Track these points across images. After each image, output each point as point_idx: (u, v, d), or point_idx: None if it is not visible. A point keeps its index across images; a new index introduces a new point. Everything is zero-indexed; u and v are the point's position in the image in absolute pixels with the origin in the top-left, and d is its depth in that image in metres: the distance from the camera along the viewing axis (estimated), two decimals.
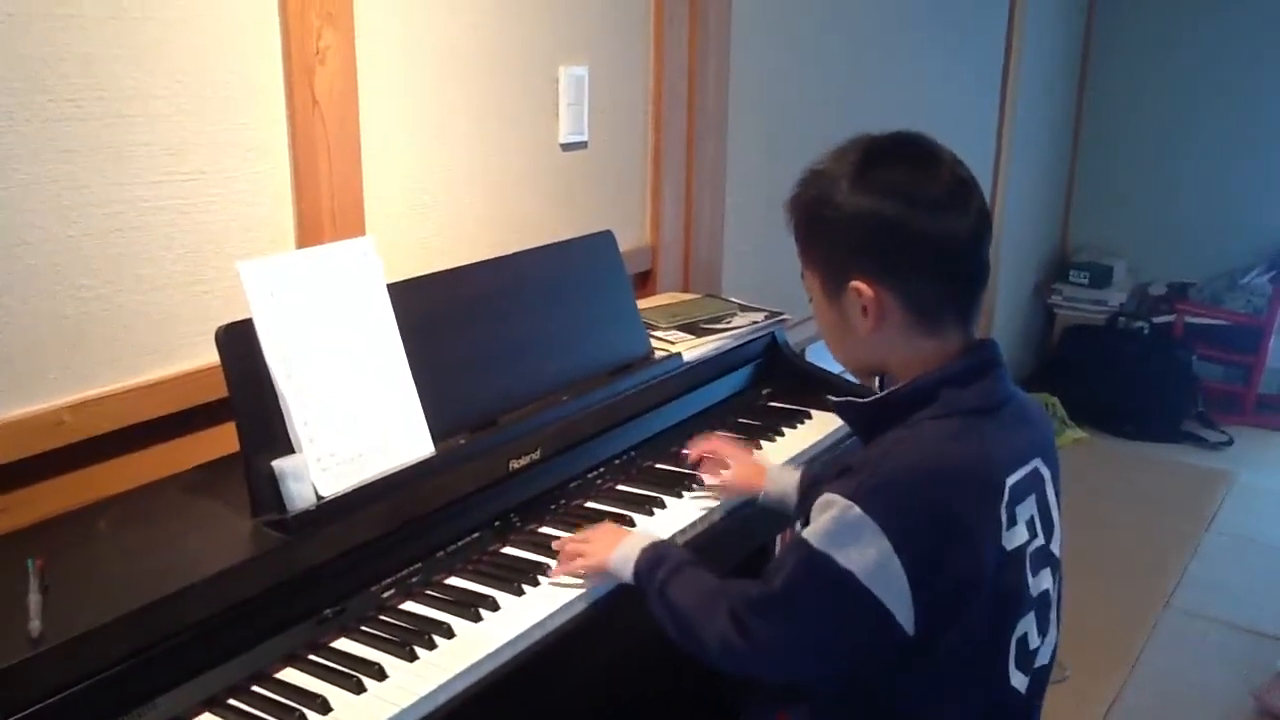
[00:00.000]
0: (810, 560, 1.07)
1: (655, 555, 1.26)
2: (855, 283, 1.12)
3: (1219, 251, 4.63)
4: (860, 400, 1.18)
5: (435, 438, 1.37)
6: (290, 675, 1.13)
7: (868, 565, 1.04)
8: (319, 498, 1.24)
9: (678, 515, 1.50)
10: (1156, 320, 4.54)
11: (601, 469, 1.60)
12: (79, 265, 1.29)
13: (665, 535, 1.44)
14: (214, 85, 1.39)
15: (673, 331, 1.89)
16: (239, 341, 1.23)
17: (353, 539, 1.24)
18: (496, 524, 1.42)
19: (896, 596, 1.04)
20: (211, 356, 1.25)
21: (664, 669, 1.64)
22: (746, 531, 1.58)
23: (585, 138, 2.03)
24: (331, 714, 1.07)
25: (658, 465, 1.66)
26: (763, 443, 1.76)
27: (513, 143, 1.88)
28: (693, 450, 1.61)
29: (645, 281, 2.25)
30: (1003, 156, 4.04)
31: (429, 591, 1.29)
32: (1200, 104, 4.61)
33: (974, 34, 3.78)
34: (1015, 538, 1.10)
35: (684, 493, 1.56)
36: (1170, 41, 4.64)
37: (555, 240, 1.76)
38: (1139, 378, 4.32)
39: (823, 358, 1.62)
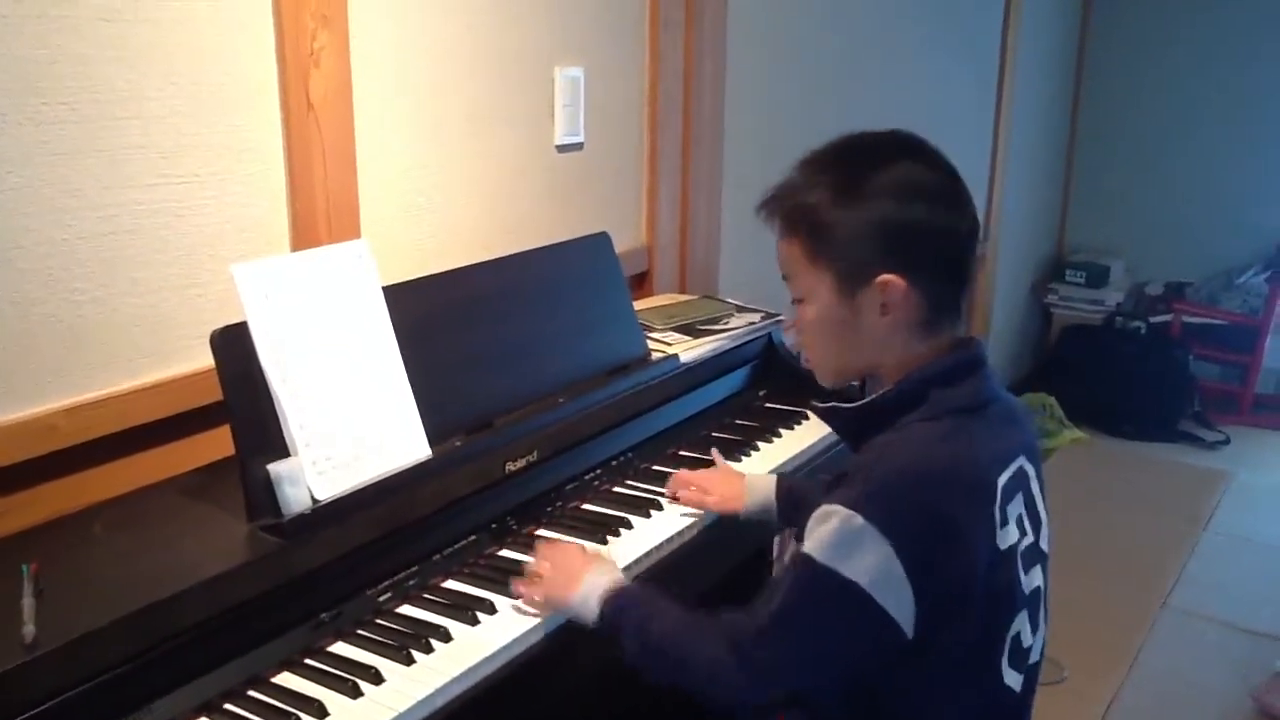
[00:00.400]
0: (814, 575, 1.07)
1: (627, 598, 1.21)
2: (884, 277, 1.11)
3: (1216, 251, 4.63)
4: (846, 405, 1.18)
5: (431, 440, 1.37)
6: (286, 679, 1.13)
7: (871, 573, 1.04)
8: (315, 501, 1.23)
9: (675, 517, 1.50)
10: (1153, 320, 4.54)
11: (598, 471, 1.59)
12: (73, 269, 1.29)
13: (665, 537, 1.44)
14: (208, 87, 1.39)
15: (669, 333, 1.89)
16: (234, 345, 1.22)
17: (349, 542, 1.24)
18: (493, 526, 1.42)
19: (899, 602, 1.04)
20: (206, 360, 1.25)
21: None
22: (743, 532, 1.57)
23: (581, 139, 2.03)
24: (328, 719, 1.07)
25: (655, 467, 1.65)
26: (760, 444, 1.76)
27: (508, 144, 1.87)
28: (670, 492, 1.54)
29: (641, 283, 2.24)
30: (999, 156, 4.04)
31: (425, 595, 1.29)
32: (1197, 103, 4.62)
33: (970, 33, 3.78)
34: (1008, 537, 1.11)
35: None
36: (1167, 40, 4.64)
37: (551, 242, 1.76)
38: (1136, 377, 4.32)
39: None
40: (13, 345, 1.25)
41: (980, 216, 1.27)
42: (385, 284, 1.38)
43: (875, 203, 1.11)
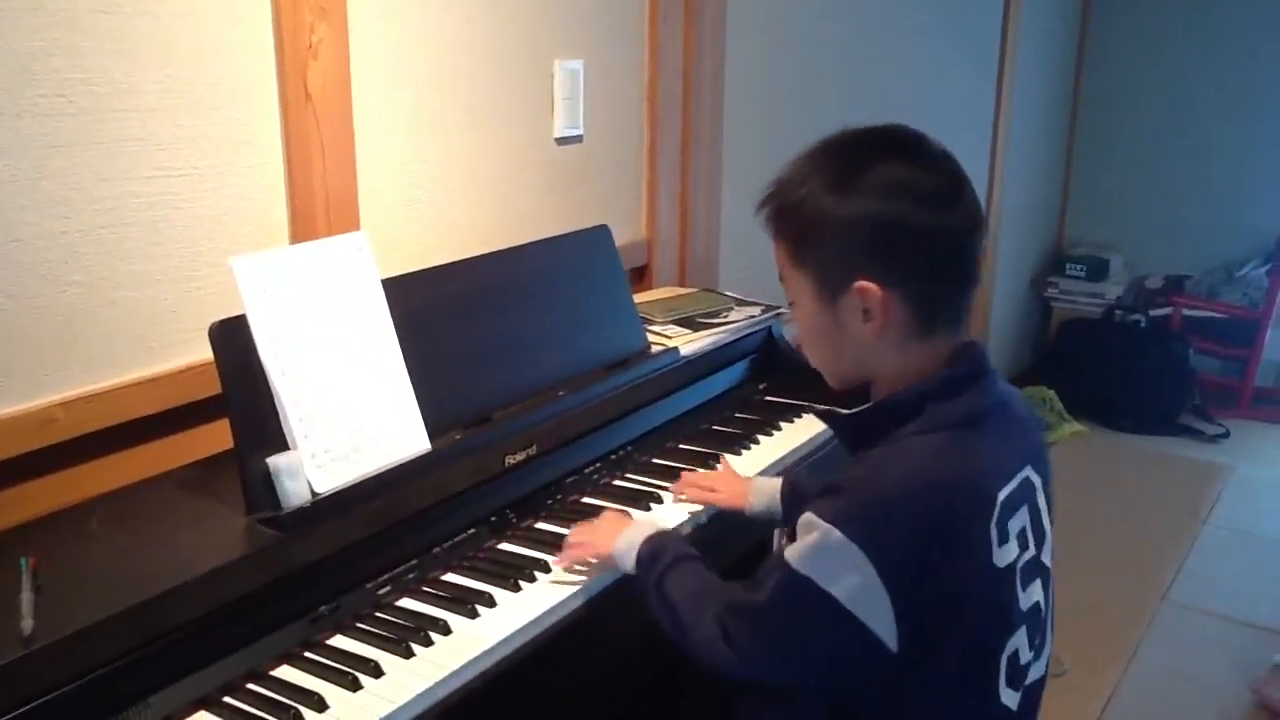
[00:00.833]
0: (792, 581, 1.05)
1: (657, 546, 1.25)
2: (860, 283, 1.07)
3: (1215, 244, 4.63)
4: (844, 413, 1.15)
5: (431, 433, 1.37)
6: (286, 673, 1.13)
7: (850, 589, 1.02)
8: (314, 494, 1.23)
9: (675, 510, 1.50)
10: (1153, 313, 4.54)
11: (598, 464, 1.59)
12: (71, 262, 1.29)
13: (678, 521, 1.44)
14: (206, 80, 1.39)
15: (669, 326, 1.88)
16: (233, 337, 1.22)
17: (348, 536, 1.24)
18: (493, 520, 1.41)
19: (879, 617, 1.02)
20: (205, 353, 1.24)
21: (660, 666, 1.64)
22: (743, 526, 1.57)
23: (581, 132, 2.03)
24: (328, 711, 1.06)
25: (655, 460, 1.65)
26: (760, 437, 1.75)
27: (508, 137, 1.87)
28: (676, 491, 1.54)
29: (641, 276, 2.24)
30: (999, 150, 4.04)
31: (425, 588, 1.28)
32: (1197, 96, 4.61)
33: (970, 28, 3.78)
34: (1006, 555, 1.07)
35: None
36: (1166, 34, 4.64)
37: (551, 235, 1.76)
38: (1136, 371, 4.32)
39: None
40: (10, 338, 1.25)
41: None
42: (384, 277, 1.38)
43: (856, 204, 1.06)
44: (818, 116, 2.76)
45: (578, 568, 1.32)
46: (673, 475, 1.58)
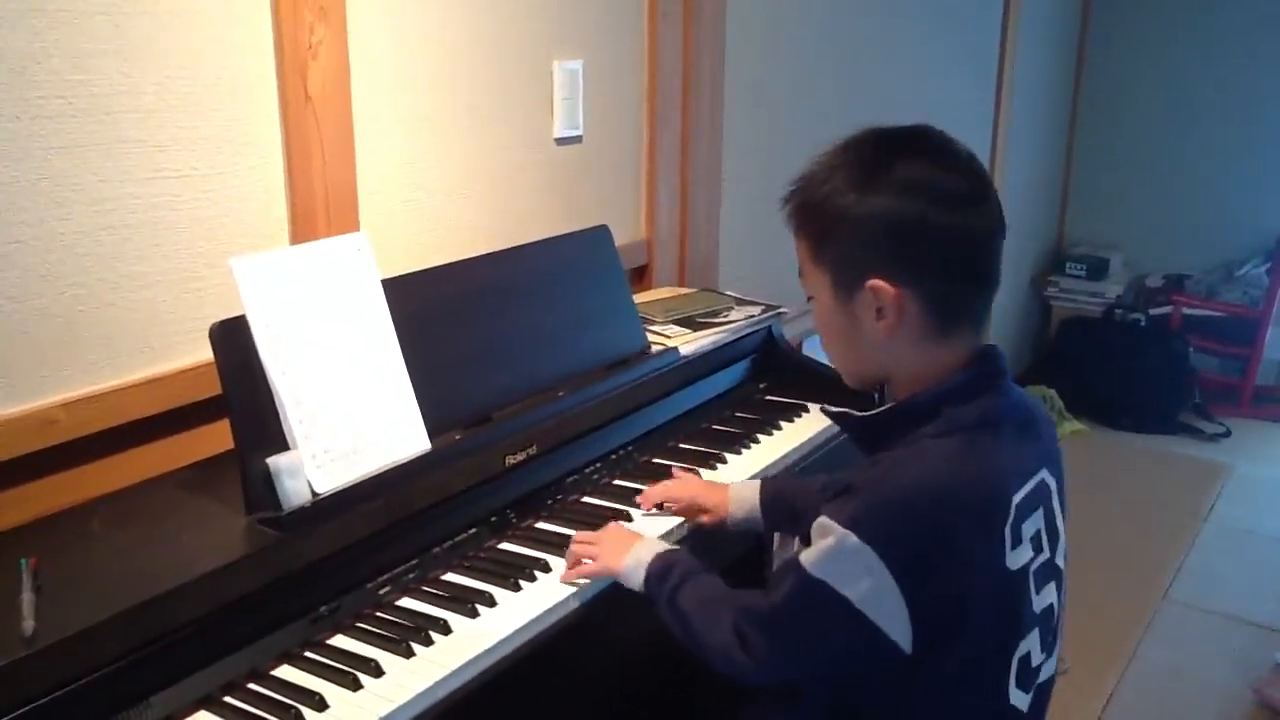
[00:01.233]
0: (806, 585, 1.06)
1: (665, 563, 1.24)
2: (874, 281, 1.07)
3: (1215, 243, 4.63)
4: (858, 415, 1.15)
5: (431, 433, 1.37)
6: (286, 673, 1.13)
7: (864, 592, 1.02)
8: (314, 494, 1.23)
9: (672, 518, 1.49)
10: (1153, 312, 4.54)
11: (598, 464, 1.59)
12: (70, 263, 1.29)
13: (665, 529, 1.44)
14: (205, 81, 1.39)
15: (669, 326, 1.88)
16: (233, 338, 1.22)
17: (348, 535, 1.24)
18: (493, 520, 1.41)
19: (893, 620, 1.02)
20: (205, 354, 1.25)
21: (661, 665, 1.64)
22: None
23: (580, 132, 2.03)
24: (328, 711, 1.07)
25: (655, 460, 1.65)
26: (760, 437, 1.76)
27: (507, 137, 1.87)
28: (645, 502, 1.49)
29: (641, 276, 2.24)
30: (999, 149, 4.04)
31: (425, 588, 1.28)
32: (1196, 96, 4.61)
33: (970, 28, 3.78)
34: (1019, 557, 1.07)
35: None
36: (1166, 34, 4.63)
37: (550, 235, 1.76)
38: (1136, 370, 4.32)
39: (820, 351, 1.62)
40: (10, 340, 1.25)
41: None
42: (384, 277, 1.38)
43: (876, 201, 1.06)
44: (817, 115, 2.76)
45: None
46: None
